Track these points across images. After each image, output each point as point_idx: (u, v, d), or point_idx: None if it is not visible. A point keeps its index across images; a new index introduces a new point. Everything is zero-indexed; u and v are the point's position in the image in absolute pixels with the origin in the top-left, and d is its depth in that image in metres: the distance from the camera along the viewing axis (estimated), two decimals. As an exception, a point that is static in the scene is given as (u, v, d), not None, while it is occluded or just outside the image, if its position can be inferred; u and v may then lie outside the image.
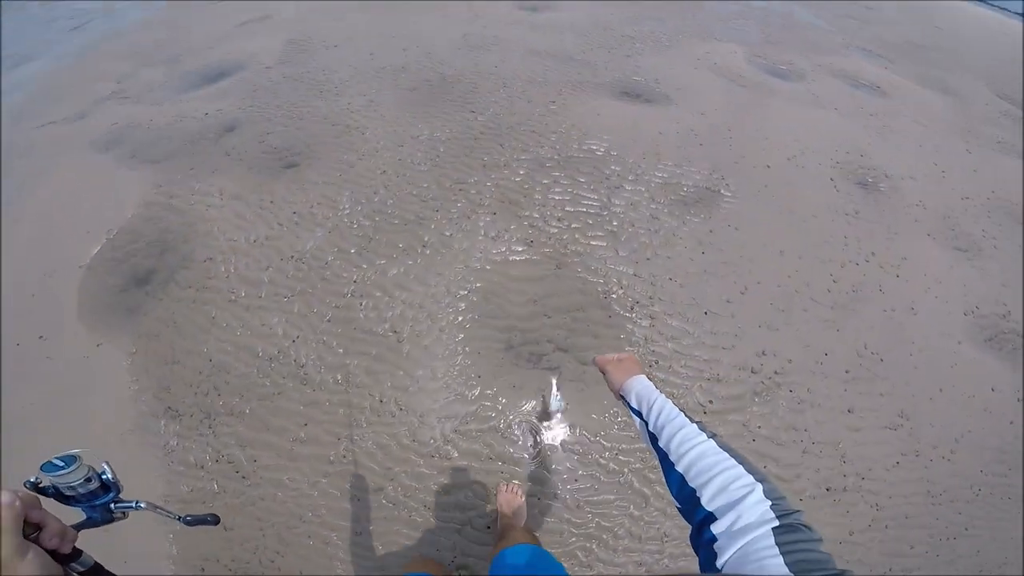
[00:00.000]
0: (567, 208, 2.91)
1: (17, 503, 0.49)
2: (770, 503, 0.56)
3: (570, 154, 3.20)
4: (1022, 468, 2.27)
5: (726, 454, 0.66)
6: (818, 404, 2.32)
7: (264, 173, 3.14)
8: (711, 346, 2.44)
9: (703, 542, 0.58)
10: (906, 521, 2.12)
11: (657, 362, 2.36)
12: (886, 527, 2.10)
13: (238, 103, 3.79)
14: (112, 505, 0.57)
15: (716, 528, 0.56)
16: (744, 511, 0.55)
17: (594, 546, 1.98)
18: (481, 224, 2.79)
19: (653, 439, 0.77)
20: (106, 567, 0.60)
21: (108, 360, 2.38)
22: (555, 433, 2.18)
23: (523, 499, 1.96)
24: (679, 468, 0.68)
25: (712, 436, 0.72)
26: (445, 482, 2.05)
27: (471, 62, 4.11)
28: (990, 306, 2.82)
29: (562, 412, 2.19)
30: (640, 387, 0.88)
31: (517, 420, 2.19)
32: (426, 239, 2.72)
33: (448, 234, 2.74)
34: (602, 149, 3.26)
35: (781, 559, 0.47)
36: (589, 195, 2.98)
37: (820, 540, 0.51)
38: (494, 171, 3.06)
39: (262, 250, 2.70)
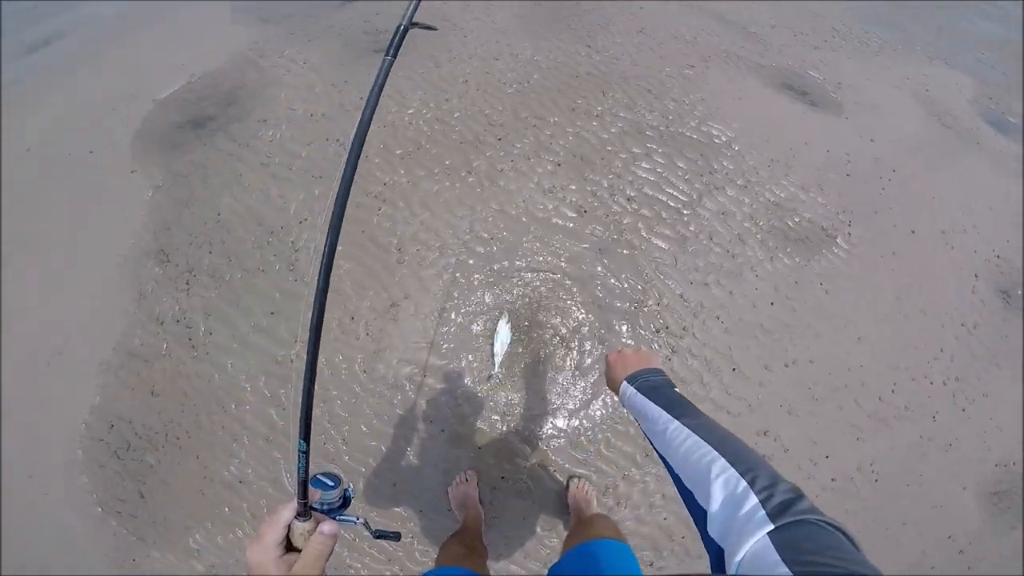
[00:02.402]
0: (645, 190, 2.39)
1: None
2: (759, 500, 0.51)
3: (681, 130, 2.61)
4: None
5: (710, 447, 0.62)
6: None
7: (353, 52, 2.95)
8: (716, 406, 1.94)
9: (708, 544, 0.55)
10: None
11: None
12: None
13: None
14: (337, 516, 0.62)
15: (713, 530, 0.54)
16: (738, 515, 0.51)
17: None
18: (539, 171, 2.39)
19: (650, 442, 0.76)
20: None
21: (134, 188, 2.43)
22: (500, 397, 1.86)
23: (595, 502, 1.79)
24: (676, 470, 0.66)
25: (697, 428, 0.67)
26: (374, 424, 1.84)
27: (619, -5, 3.50)
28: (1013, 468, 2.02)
29: (505, 351, 1.94)
30: (627, 395, 0.86)
31: (471, 394, 1.90)
32: (474, 165, 2.39)
33: (500, 168, 2.39)
34: (723, 137, 2.62)
35: (786, 568, 0.42)
36: (679, 184, 2.42)
37: (824, 527, 0.46)
38: (581, 119, 2.59)
39: (314, 126, 2.56)
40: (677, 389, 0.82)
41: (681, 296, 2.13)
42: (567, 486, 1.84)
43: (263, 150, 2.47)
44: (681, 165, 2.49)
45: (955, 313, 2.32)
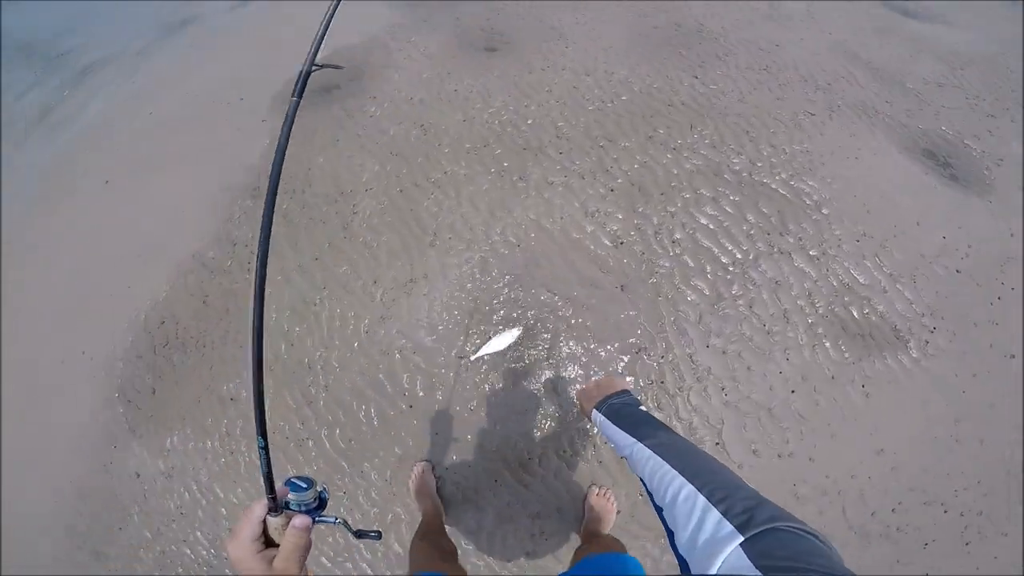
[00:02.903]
0: (698, 235, 2.21)
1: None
2: (721, 513, 0.50)
3: (765, 180, 2.35)
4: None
5: (669, 467, 0.62)
6: None
7: (466, 48, 3.19)
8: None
9: (680, 561, 0.54)
10: None
11: (601, 461, 1.80)
12: None
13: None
14: (316, 517, 0.66)
15: (681, 549, 0.53)
16: (702, 532, 0.50)
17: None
18: (590, 192, 2.36)
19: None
20: None
21: (258, 134, 2.92)
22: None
23: (615, 508, 1.79)
24: (649, 490, 0.66)
25: (657, 447, 0.68)
26: (357, 381, 2.04)
27: (756, 30, 3.22)
28: None
29: (493, 351, 1.98)
30: (597, 424, 0.88)
31: (447, 382, 1.99)
32: (529, 172, 2.45)
33: (551, 181, 2.41)
34: (814, 197, 2.29)
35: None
36: (740, 239, 2.19)
37: (795, 532, 0.45)
38: (655, 149, 2.48)
39: (409, 109, 2.84)
40: (643, 408, 0.84)
41: (690, 356, 1.95)
42: (586, 493, 1.80)
43: (362, 123, 2.82)
44: (750, 218, 2.25)
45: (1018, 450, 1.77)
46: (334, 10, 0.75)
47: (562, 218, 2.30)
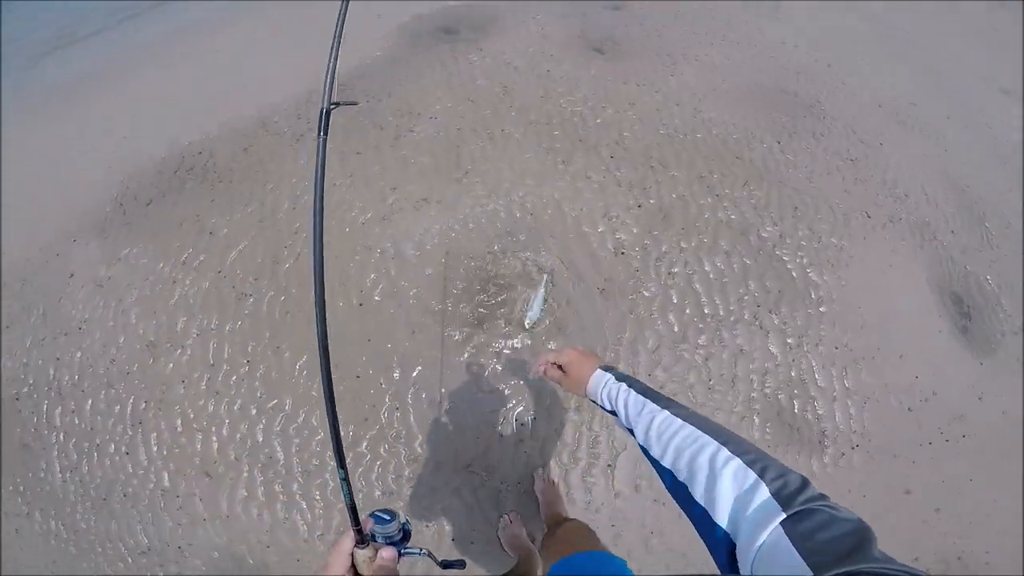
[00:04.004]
0: (693, 279, 2.27)
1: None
2: (771, 491, 0.49)
3: (785, 258, 2.34)
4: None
5: (710, 438, 0.59)
6: None
7: (578, 42, 3.29)
8: (568, 486, 1.85)
9: (716, 542, 0.52)
10: None
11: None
12: None
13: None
14: (402, 550, 0.69)
15: (722, 523, 0.51)
16: (750, 506, 0.49)
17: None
18: (620, 200, 2.46)
19: (633, 435, 0.72)
20: None
21: (382, 49, 3.24)
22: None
23: (564, 498, 1.84)
24: (665, 463, 0.63)
25: (688, 417, 0.65)
26: (327, 263, 2.29)
27: (871, 123, 3.10)
28: None
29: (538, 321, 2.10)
30: (603, 384, 0.82)
31: (410, 309, 2.20)
32: (573, 159, 2.58)
33: (589, 175, 2.53)
34: (820, 293, 2.27)
35: (799, 557, 0.41)
36: (730, 299, 2.23)
37: (835, 516, 0.45)
38: (698, 187, 2.53)
39: (503, 70, 3.03)
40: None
41: (632, 373, 2.04)
42: (533, 478, 1.87)
43: (459, 66, 3.06)
44: (750, 285, 2.27)
45: None
46: (338, 49, 0.71)
47: (582, 209, 2.43)
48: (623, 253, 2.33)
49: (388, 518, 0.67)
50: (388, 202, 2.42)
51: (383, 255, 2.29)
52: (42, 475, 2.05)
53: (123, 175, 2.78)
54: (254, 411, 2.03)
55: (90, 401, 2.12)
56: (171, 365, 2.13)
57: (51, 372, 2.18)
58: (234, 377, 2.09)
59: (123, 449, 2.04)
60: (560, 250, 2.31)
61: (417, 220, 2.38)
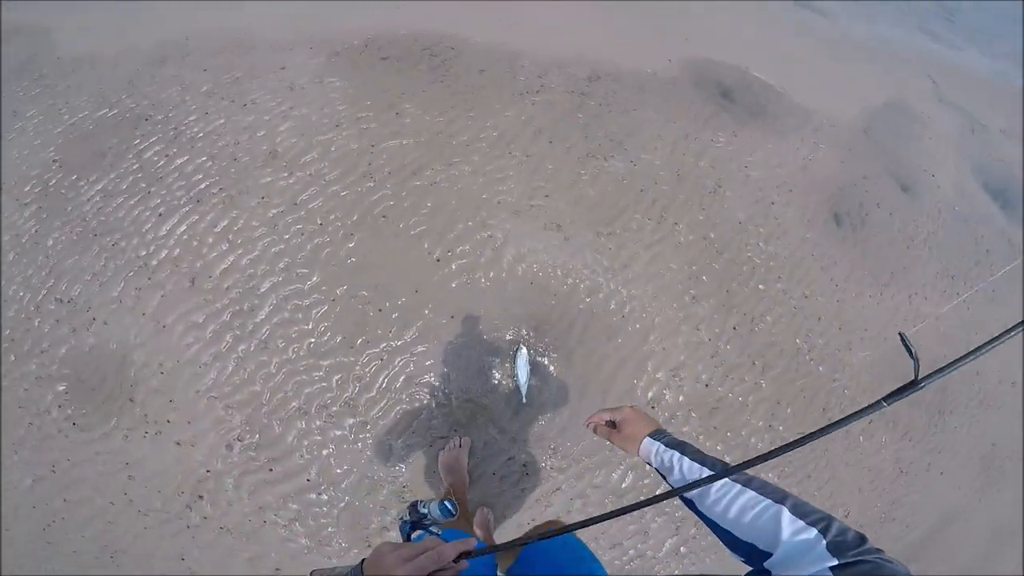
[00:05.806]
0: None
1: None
2: (826, 542, 0.54)
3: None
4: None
5: (771, 502, 0.64)
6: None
7: (830, 201, 2.97)
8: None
9: None
10: None
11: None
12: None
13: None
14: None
15: (775, 570, 0.57)
16: (803, 555, 0.54)
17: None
18: (694, 368, 2.35)
19: (688, 502, 0.75)
20: None
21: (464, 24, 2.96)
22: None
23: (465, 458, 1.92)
24: (725, 525, 0.67)
25: (746, 483, 0.69)
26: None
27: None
28: None
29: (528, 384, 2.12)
30: (656, 450, 0.85)
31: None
32: (702, 299, 2.48)
33: (699, 327, 2.42)
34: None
35: None
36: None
37: (884, 566, 0.49)
38: (762, 414, 2.38)
39: (724, 173, 2.83)
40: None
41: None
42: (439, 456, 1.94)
43: (702, 136, 2.91)
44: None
45: None
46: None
47: (663, 348, 2.35)
48: (652, 407, 2.30)
49: (453, 512, 0.78)
50: (532, 202, 2.46)
51: (490, 239, 2.33)
52: (82, 185, 2.17)
53: (383, 29, 2.80)
54: (282, 265, 2.12)
55: (185, 157, 2.26)
56: (268, 179, 2.25)
57: (190, 117, 2.33)
58: (301, 233, 2.17)
59: (161, 210, 2.12)
60: (611, 361, 2.30)
61: (535, 235, 2.39)
